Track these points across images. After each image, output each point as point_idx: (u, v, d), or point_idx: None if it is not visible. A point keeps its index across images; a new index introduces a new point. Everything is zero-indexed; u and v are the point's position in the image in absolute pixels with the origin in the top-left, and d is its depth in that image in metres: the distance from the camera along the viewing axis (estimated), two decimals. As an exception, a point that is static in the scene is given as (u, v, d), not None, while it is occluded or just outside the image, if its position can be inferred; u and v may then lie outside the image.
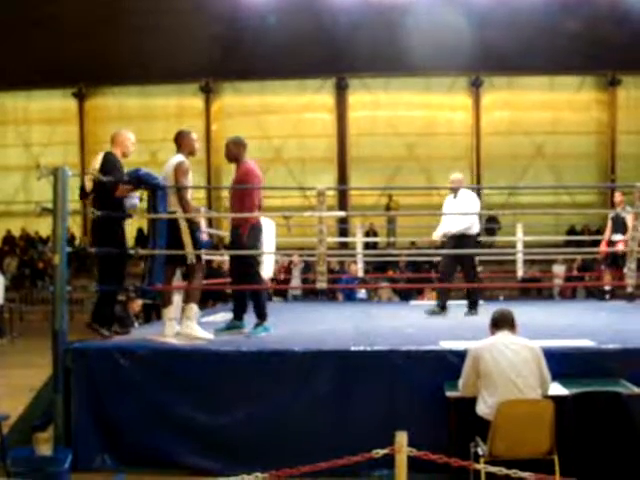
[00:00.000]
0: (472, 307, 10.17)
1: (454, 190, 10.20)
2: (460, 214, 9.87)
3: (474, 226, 10.11)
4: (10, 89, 27.20)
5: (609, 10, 23.69)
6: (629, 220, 12.09)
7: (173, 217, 7.41)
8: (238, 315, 8.07)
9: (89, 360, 6.79)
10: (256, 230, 7.95)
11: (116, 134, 7.85)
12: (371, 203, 25.77)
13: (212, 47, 23.83)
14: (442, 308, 10.30)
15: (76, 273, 14.87)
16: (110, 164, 7.48)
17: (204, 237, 8.16)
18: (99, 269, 7.65)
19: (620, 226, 12.72)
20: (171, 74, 25.05)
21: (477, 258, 11.36)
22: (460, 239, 9.97)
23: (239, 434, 6.49)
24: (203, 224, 9.33)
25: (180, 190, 7.42)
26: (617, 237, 12.84)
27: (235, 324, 7.99)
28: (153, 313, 14.52)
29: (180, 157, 7.56)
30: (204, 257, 8.21)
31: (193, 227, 7.52)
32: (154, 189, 7.50)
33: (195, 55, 23.86)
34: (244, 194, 7.88)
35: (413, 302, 14.74)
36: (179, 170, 7.43)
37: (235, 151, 8.02)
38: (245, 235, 7.79)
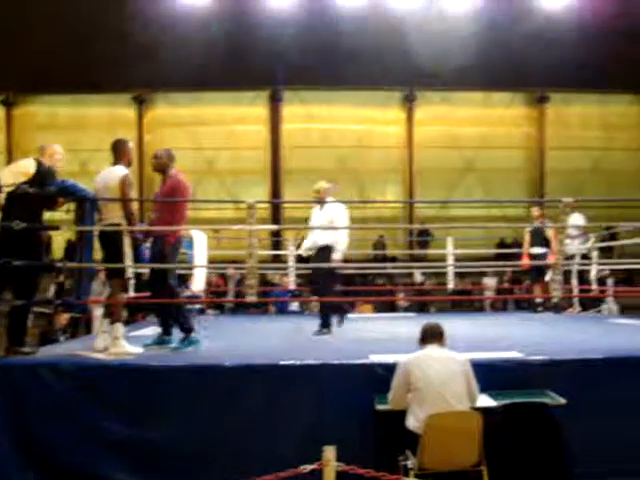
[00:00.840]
0: (324, 326, 9.65)
1: (320, 201, 9.91)
2: (326, 228, 9.65)
3: (342, 238, 9.72)
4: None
5: (538, 29, 24.19)
6: (549, 233, 12.40)
7: (118, 229, 7.32)
8: (166, 329, 7.95)
9: (12, 376, 6.59)
10: (180, 243, 8.01)
11: (45, 147, 7.59)
12: (305, 216, 25.68)
13: (144, 57, 23.55)
14: (326, 326, 9.75)
15: None
16: (44, 175, 7.24)
17: (147, 253, 8.03)
18: (16, 283, 7.19)
19: (539, 240, 13.00)
20: (104, 84, 24.67)
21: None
22: (323, 251, 9.65)
23: (168, 450, 6.38)
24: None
25: (127, 204, 7.30)
26: (537, 250, 13.10)
27: (163, 339, 7.88)
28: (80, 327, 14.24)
29: (123, 169, 7.45)
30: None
31: (136, 242, 7.42)
32: (81, 201, 7.36)
33: (128, 65, 23.55)
34: (175, 206, 7.78)
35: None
36: (125, 183, 7.33)
37: (164, 162, 7.93)
38: (169, 246, 7.69)
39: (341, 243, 9.61)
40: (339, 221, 9.66)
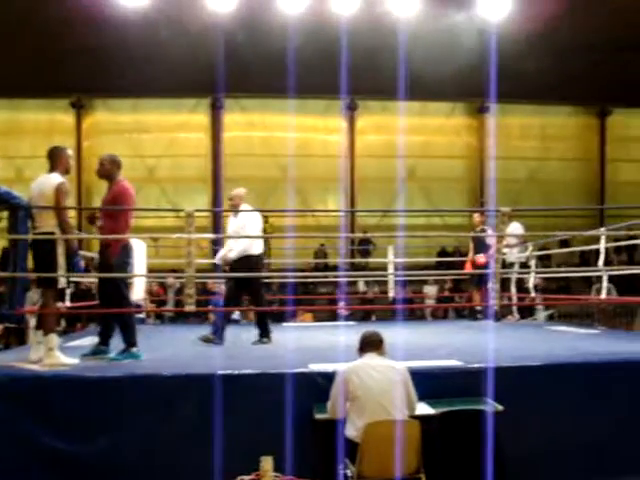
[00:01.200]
0: (263, 335, 9.71)
1: (234, 208, 9.72)
2: (244, 237, 9.50)
3: (253, 246, 9.62)
4: None
5: (479, 40, 24.50)
6: (489, 240, 12.52)
7: (52, 238, 7.14)
8: (103, 339, 7.80)
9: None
10: (127, 250, 7.71)
11: None
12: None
13: (84, 61, 23.20)
14: (216, 335, 9.55)
15: None
16: None
17: (81, 264, 7.86)
18: None
19: (481, 246, 13.11)
20: (41, 88, 24.27)
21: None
22: (240, 261, 9.54)
23: (103, 464, 6.24)
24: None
25: (62, 212, 7.14)
26: (479, 256, 13.22)
27: (100, 349, 7.72)
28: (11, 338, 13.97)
29: (59, 177, 7.27)
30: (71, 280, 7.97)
31: (70, 251, 7.24)
32: (15, 209, 7.20)
33: (66, 69, 23.18)
34: (119, 214, 7.64)
35: (286, 324, 14.73)
36: (61, 191, 7.16)
37: (109, 169, 7.77)
38: (115, 255, 7.55)
39: (242, 246, 9.51)
40: (249, 229, 9.55)
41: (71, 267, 7.23)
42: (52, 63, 22.92)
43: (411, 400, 5.90)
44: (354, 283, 21.00)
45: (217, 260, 10.20)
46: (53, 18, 22.96)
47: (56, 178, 7.25)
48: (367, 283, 20.57)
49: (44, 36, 22.80)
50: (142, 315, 14.24)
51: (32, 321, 8.33)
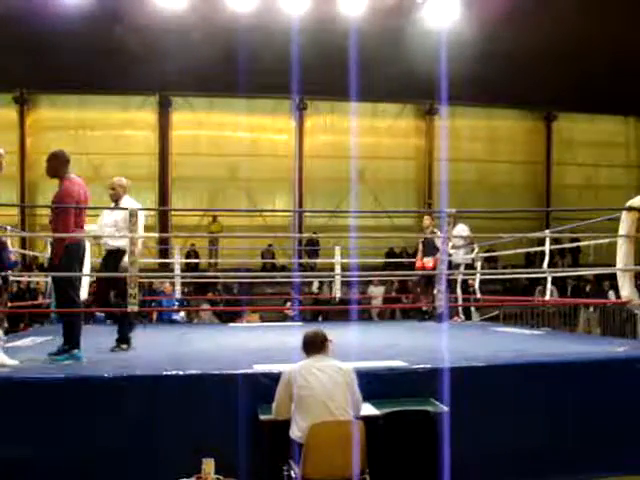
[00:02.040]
0: (121, 340, 8.59)
1: (116, 198, 8.90)
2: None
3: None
4: None
5: (429, 43, 24.66)
6: (438, 242, 12.58)
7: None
8: (73, 343, 7.51)
9: None
10: (73, 250, 7.41)
11: None
12: (193, 224, 25.48)
13: (27, 56, 22.76)
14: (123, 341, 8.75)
15: None
16: None
17: (12, 257, 7.65)
18: None
19: (430, 249, 13.18)
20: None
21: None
22: (115, 254, 8.73)
23: (43, 467, 6.08)
24: (9, 244, 8.82)
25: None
26: (427, 259, 13.28)
27: (74, 354, 7.42)
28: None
29: None
30: (11, 278, 7.77)
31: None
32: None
33: (8, 64, 22.68)
34: (61, 212, 7.41)
35: (232, 324, 14.66)
36: None
37: (54, 165, 7.54)
38: (59, 255, 7.36)
39: (123, 241, 8.55)
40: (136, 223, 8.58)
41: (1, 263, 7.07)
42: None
43: (356, 401, 5.87)
44: (303, 284, 20.96)
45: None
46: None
47: None
48: (321, 283, 20.52)
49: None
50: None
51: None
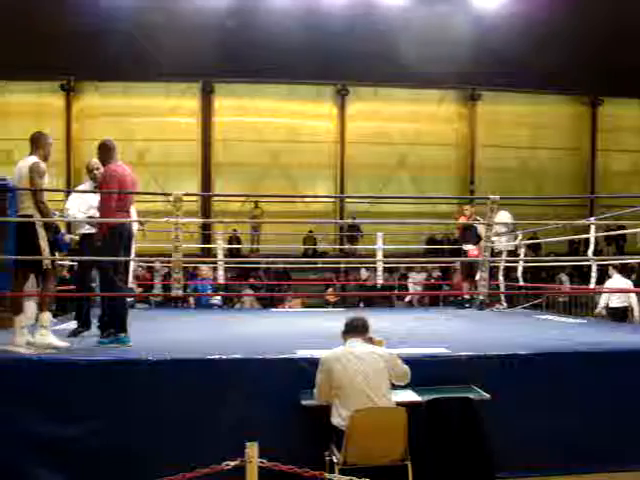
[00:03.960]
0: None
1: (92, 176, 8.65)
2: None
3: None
4: None
5: (472, 29, 24.47)
6: (480, 230, 12.51)
7: (30, 220, 7.05)
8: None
9: None
10: (114, 235, 7.52)
11: None
12: (235, 209, 25.61)
13: (74, 44, 23.04)
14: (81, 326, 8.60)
15: None
16: None
17: (66, 240, 7.72)
18: None
19: (471, 236, 13.11)
20: (31, 71, 24.05)
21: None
22: (89, 238, 8.41)
23: (87, 447, 6.21)
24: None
25: (37, 192, 7.08)
26: (468, 247, 13.22)
27: (121, 338, 7.51)
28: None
29: (34, 158, 7.21)
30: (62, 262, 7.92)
31: (51, 231, 7.18)
32: (3, 192, 7.16)
33: (56, 52, 22.99)
34: (103, 198, 7.56)
35: (274, 309, 14.74)
36: (35, 171, 7.09)
37: (101, 154, 7.73)
38: (101, 238, 7.48)
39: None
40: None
41: (56, 246, 7.19)
42: (42, 45, 22.73)
43: (402, 374, 5.92)
44: (345, 269, 20.96)
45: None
46: (46, 1, 22.87)
47: (31, 159, 7.21)
48: (367, 269, 20.44)
49: (35, 17, 22.67)
50: (131, 300, 14.18)
51: (30, 304, 8.26)
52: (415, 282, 20.31)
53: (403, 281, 19.84)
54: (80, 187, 9.13)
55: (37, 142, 7.39)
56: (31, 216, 7.08)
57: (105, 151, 7.71)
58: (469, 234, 13.41)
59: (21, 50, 22.71)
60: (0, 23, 22.81)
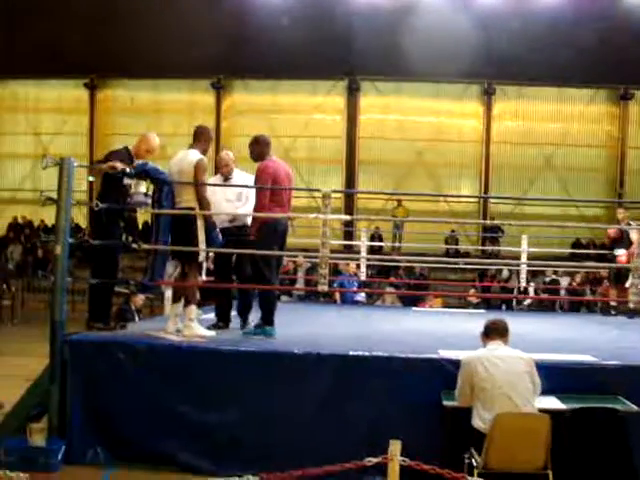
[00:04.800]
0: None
1: (230, 173, 8.40)
2: None
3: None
4: (22, 77, 27.22)
5: (624, 23, 23.60)
6: (633, 235, 12.05)
7: (192, 213, 7.35)
8: (267, 319, 7.71)
9: (86, 352, 6.76)
10: (269, 230, 7.62)
11: (143, 135, 7.77)
12: (378, 207, 25.70)
13: (225, 44, 23.79)
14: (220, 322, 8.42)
15: (79, 263, 14.81)
16: (111, 157, 7.42)
17: (220, 237, 7.93)
18: (95, 261, 7.48)
19: (624, 241, 12.66)
20: (183, 69, 24.99)
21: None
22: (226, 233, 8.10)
23: (232, 434, 6.45)
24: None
25: (200, 187, 7.36)
26: (620, 252, 12.77)
27: (266, 329, 7.65)
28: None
29: (198, 154, 7.46)
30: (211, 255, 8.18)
31: (209, 226, 7.46)
32: (160, 184, 7.47)
33: (208, 51, 23.80)
34: (257, 193, 7.70)
35: (415, 308, 14.72)
36: (200, 168, 7.35)
37: (257, 149, 7.85)
38: (255, 233, 7.65)
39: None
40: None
41: (210, 241, 7.46)
42: (195, 46, 23.58)
43: (536, 387, 5.81)
44: (486, 270, 20.67)
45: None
46: (196, 4, 23.68)
47: (195, 155, 7.45)
48: (510, 272, 20.10)
49: (189, 21, 23.51)
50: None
51: (167, 293, 8.59)
52: (558, 287, 19.79)
53: (551, 285, 19.34)
54: (210, 180, 8.81)
55: (201, 136, 7.65)
56: (193, 209, 7.37)
57: (260, 146, 7.83)
58: (620, 239, 12.96)
59: (176, 50, 23.61)
60: (154, 25, 23.81)
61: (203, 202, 7.37)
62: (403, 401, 6.39)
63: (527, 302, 18.97)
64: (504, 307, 18.25)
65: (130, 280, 8.91)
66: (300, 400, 6.50)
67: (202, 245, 7.37)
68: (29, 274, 23.48)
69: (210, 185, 7.81)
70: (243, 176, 8.43)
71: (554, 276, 19.78)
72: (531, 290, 18.46)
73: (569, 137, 26.14)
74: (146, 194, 7.57)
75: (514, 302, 18.44)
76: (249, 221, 8.11)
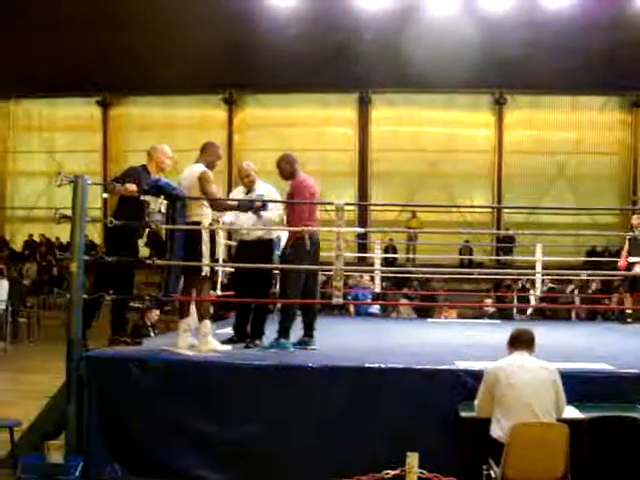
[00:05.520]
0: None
1: (251, 184, 8.40)
2: None
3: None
4: (34, 96, 27.47)
5: (635, 30, 23.55)
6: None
7: (196, 228, 7.41)
8: (283, 331, 7.74)
9: (103, 369, 6.79)
10: (302, 245, 7.66)
11: (151, 149, 7.88)
12: (391, 219, 25.68)
13: (236, 59, 23.90)
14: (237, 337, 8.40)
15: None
16: (128, 175, 7.51)
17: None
18: (110, 277, 7.46)
19: (638, 248, 12.59)
20: (195, 85, 25.16)
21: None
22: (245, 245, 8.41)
23: (249, 448, 6.44)
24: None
25: (210, 197, 7.43)
26: (635, 259, 12.70)
27: (280, 343, 7.71)
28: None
29: (202, 166, 7.54)
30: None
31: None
32: (173, 199, 7.50)
33: (219, 67, 23.95)
34: (296, 209, 7.81)
35: (430, 320, 14.69)
36: (204, 179, 7.41)
37: (287, 168, 7.94)
38: (287, 247, 7.77)
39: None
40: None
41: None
42: (206, 62, 23.72)
43: (560, 402, 5.76)
44: (501, 281, 20.59)
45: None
46: (206, 19, 23.78)
47: (198, 167, 7.54)
48: (527, 281, 19.98)
49: (199, 37, 23.61)
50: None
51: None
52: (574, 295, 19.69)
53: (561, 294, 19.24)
54: (233, 192, 9.22)
55: (204, 149, 7.77)
56: (199, 223, 7.43)
57: (291, 164, 7.93)
58: (635, 246, 12.90)
59: (187, 66, 23.74)
60: (165, 42, 23.93)
61: (219, 209, 7.46)
62: (420, 413, 6.37)
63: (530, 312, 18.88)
64: (518, 317, 18.15)
65: (145, 295, 8.93)
66: (316, 414, 6.50)
67: (205, 260, 7.39)
68: (45, 291, 23.61)
69: (224, 200, 7.83)
70: (266, 187, 8.44)
71: (572, 286, 19.69)
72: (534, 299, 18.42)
73: (581, 145, 26.08)
74: (162, 212, 7.60)
75: (528, 311, 18.32)
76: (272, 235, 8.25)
